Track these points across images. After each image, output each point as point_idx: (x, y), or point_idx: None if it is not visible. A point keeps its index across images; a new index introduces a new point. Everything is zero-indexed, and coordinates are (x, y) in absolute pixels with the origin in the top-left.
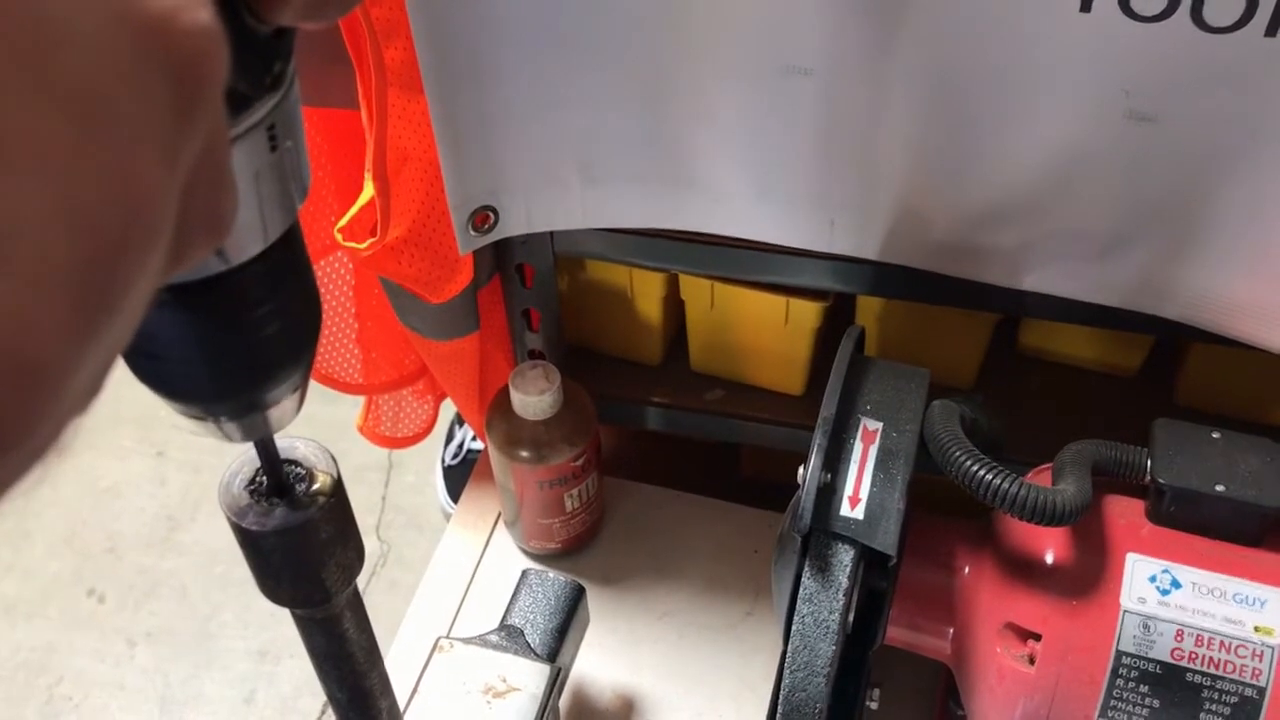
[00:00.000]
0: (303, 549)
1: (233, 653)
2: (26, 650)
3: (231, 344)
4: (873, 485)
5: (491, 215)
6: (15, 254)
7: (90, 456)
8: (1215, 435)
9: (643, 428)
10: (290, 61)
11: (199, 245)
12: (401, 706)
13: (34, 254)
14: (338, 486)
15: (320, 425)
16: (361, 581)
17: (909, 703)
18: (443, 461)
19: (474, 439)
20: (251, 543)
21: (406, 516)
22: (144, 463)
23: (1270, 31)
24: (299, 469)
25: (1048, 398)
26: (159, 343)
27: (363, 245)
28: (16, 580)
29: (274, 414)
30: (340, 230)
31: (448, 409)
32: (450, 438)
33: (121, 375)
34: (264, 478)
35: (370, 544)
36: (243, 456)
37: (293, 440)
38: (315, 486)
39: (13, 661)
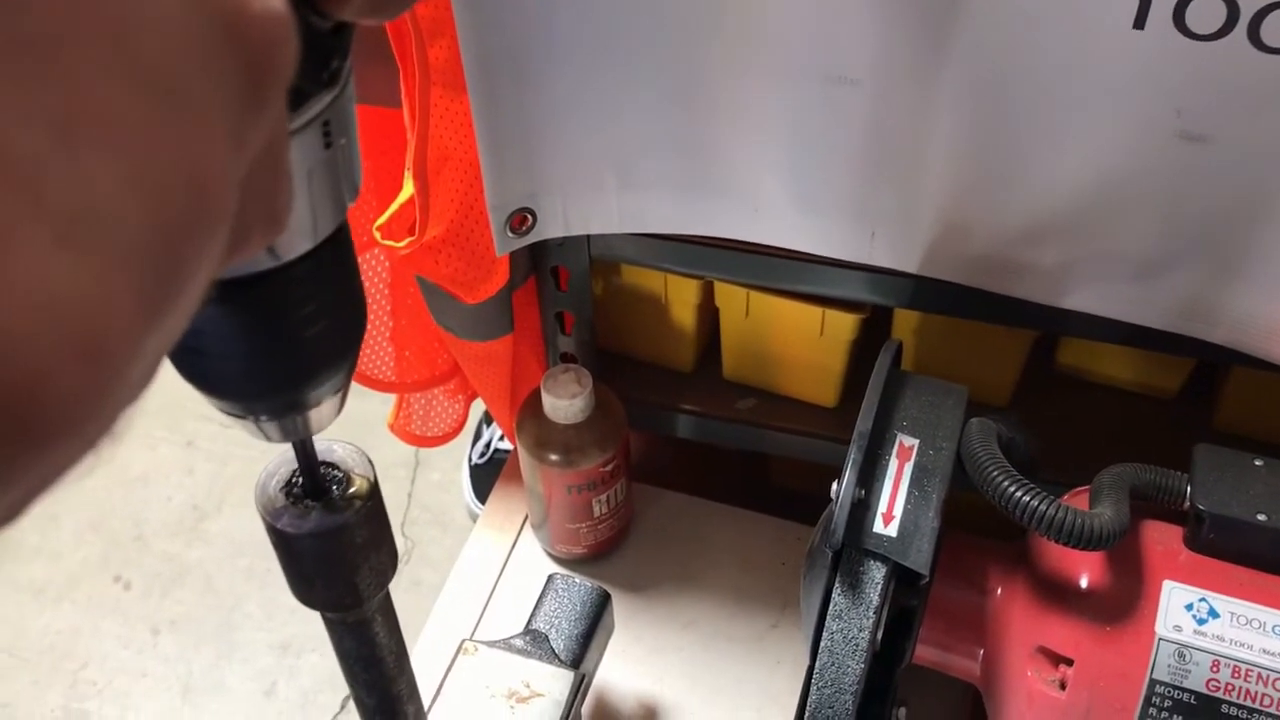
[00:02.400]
0: (337, 553)
1: (255, 644)
2: (53, 634)
3: (276, 342)
4: (907, 503)
5: (529, 217)
6: (91, 231)
7: (120, 445)
8: (1258, 463)
9: (673, 435)
10: (348, 58)
11: (256, 238)
12: (426, 709)
13: (108, 232)
14: (374, 491)
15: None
16: None
17: None
18: (470, 460)
19: (501, 438)
20: (286, 545)
21: (432, 514)
22: (173, 452)
23: None
24: (336, 472)
25: (1085, 418)
26: (204, 338)
27: (401, 244)
28: (44, 564)
29: (314, 415)
30: (379, 228)
31: (477, 408)
32: (478, 437)
33: None
34: (300, 479)
35: (396, 541)
36: (279, 457)
37: (330, 443)
38: (352, 490)
39: (39, 645)
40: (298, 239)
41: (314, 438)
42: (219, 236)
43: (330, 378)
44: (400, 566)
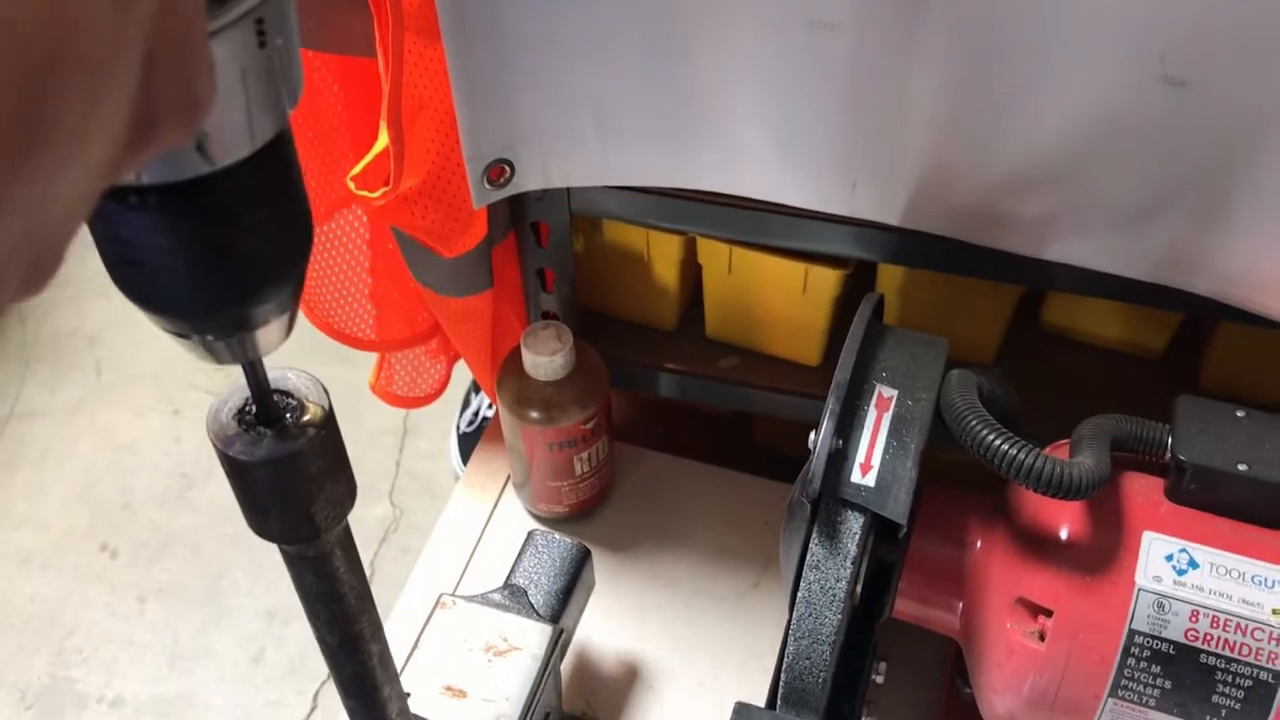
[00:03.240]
0: (291, 481)
1: (242, 612)
2: (39, 602)
3: (217, 255)
4: (885, 452)
5: (507, 169)
6: None
7: (107, 413)
8: (1240, 414)
9: (655, 394)
10: None
11: (171, 125)
12: (401, 662)
13: None
14: (329, 419)
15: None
16: (373, 547)
17: (916, 678)
18: (458, 429)
19: (490, 407)
20: (239, 473)
21: (420, 483)
22: (160, 420)
23: None
24: (290, 399)
25: (1069, 377)
26: (142, 250)
27: (375, 194)
28: (31, 532)
29: (261, 336)
30: (353, 178)
31: (464, 377)
32: (466, 405)
33: (138, 334)
34: (253, 407)
35: (383, 509)
36: (233, 385)
37: (284, 371)
38: (306, 418)
39: (25, 612)
40: (234, 143)
41: (268, 366)
42: (101, 92)
43: (275, 295)
44: (388, 534)
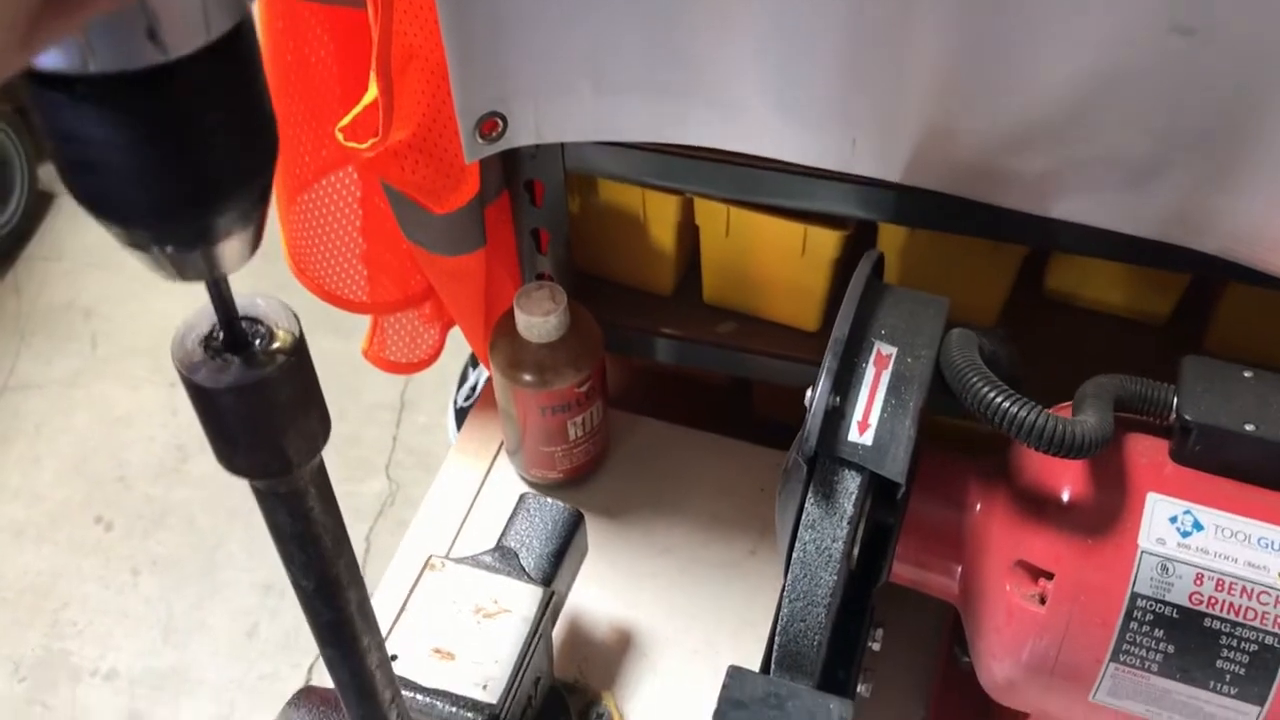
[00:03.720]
0: (260, 410)
1: (237, 585)
2: (33, 574)
3: (173, 154)
4: (883, 411)
5: (499, 122)
6: None
7: (102, 386)
8: (1247, 374)
9: (651, 359)
10: None
11: None
12: (390, 624)
13: None
14: (299, 346)
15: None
16: (369, 520)
17: (913, 645)
18: (455, 403)
19: (488, 380)
20: (205, 401)
21: (416, 457)
22: (156, 393)
23: None
24: (259, 326)
25: (1073, 342)
26: (94, 147)
27: (364, 145)
28: (25, 505)
29: (223, 251)
30: (342, 129)
31: (462, 351)
32: (463, 380)
33: (135, 306)
34: (219, 333)
35: (379, 483)
36: (198, 311)
37: (253, 296)
38: (275, 344)
39: (19, 584)
40: (188, 31)
41: (239, 295)
42: None
43: (238, 202)
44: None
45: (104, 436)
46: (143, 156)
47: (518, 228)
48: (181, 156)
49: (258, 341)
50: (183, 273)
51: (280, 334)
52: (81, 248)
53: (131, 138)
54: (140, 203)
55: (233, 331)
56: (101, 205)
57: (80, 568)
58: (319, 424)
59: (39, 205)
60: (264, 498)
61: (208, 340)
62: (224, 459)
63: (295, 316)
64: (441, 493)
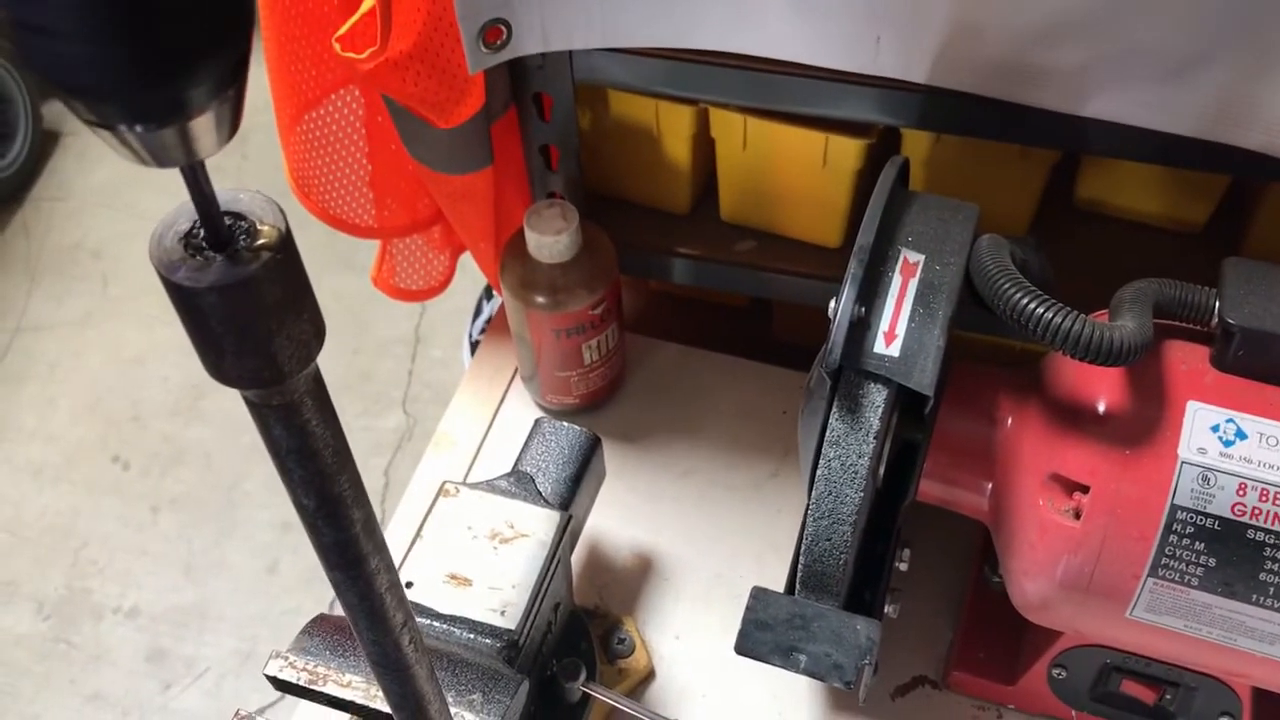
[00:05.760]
0: (246, 312)
1: (256, 522)
2: (53, 514)
3: (134, 12)
4: (911, 321)
5: (504, 29)
6: None
7: (115, 325)
8: None
9: (668, 281)
10: None
11: None
12: (404, 551)
13: None
14: (286, 241)
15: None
16: (387, 455)
17: (942, 565)
18: (470, 337)
19: (501, 305)
20: (186, 303)
21: (433, 391)
22: (169, 332)
23: None
24: (242, 221)
25: (1104, 256)
26: (50, 9)
27: (362, 55)
28: (41, 445)
29: (194, 130)
30: (338, 39)
31: (477, 283)
32: (478, 312)
33: (144, 245)
34: (200, 229)
35: (396, 418)
36: (178, 208)
37: (235, 191)
38: (260, 241)
39: (39, 524)
40: None
41: (220, 189)
42: None
43: (209, 71)
44: (402, 443)
45: (118, 376)
46: (98, 15)
47: (526, 144)
48: (137, 13)
49: (241, 238)
50: (157, 157)
51: (265, 229)
52: (88, 188)
53: None
54: (98, 69)
55: (214, 227)
56: (60, 75)
57: (99, 507)
58: (311, 328)
59: (44, 145)
60: (258, 411)
61: (188, 238)
62: (212, 368)
63: (281, 211)
64: (455, 420)
